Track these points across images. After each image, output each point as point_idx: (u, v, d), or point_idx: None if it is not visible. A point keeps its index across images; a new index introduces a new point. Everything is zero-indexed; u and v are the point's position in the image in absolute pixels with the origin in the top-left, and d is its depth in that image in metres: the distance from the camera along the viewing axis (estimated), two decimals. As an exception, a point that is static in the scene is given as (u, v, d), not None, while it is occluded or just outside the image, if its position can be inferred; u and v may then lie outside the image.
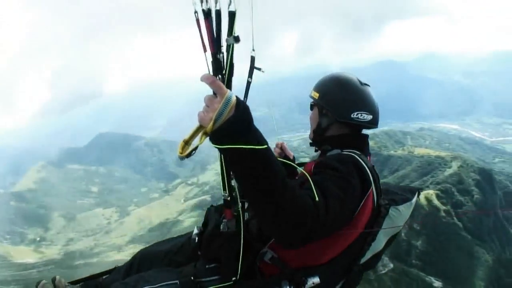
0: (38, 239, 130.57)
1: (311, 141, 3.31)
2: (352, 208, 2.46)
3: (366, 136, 3.15)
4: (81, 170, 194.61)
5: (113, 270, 3.72)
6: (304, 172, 2.37)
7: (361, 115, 2.95)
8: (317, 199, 2.01)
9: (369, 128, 3.11)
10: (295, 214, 1.88)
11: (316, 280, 2.49)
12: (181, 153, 1.88)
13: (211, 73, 2.05)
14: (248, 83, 3.00)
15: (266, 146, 1.84)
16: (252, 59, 2.88)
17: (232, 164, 1.91)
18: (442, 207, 71.68)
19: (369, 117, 2.98)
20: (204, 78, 1.86)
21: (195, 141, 1.93)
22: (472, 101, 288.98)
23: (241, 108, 1.83)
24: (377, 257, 3.03)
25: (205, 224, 3.02)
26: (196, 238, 2.98)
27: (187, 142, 1.91)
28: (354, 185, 2.44)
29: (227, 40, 2.00)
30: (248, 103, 2.22)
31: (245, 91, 3.00)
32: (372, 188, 2.62)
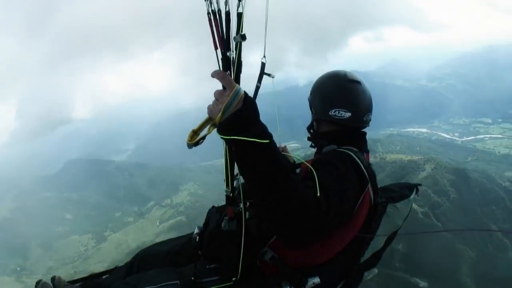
0: (18, 269, 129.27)
1: (308, 137, 3.34)
2: (351, 204, 2.46)
3: (364, 133, 3.13)
4: (54, 198, 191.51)
5: (113, 270, 3.69)
6: (311, 167, 2.33)
7: (338, 113, 2.93)
8: (318, 194, 2.02)
9: (351, 126, 3.03)
10: (297, 208, 1.89)
11: (316, 280, 2.47)
12: (190, 141, 1.97)
13: (221, 69, 2.19)
14: (257, 88, 3.15)
15: (268, 140, 1.90)
16: (263, 65, 2.99)
17: (236, 155, 1.96)
18: (420, 209, 72.23)
19: (347, 114, 2.93)
20: (215, 74, 1.98)
21: (203, 132, 2.03)
22: (439, 103, 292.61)
23: (249, 101, 1.94)
24: (377, 255, 3.01)
25: (206, 223, 3.05)
26: (197, 238, 3.01)
27: (195, 132, 2.00)
28: (352, 182, 2.45)
29: (234, 38, 2.13)
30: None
31: (254, 95, 3.13)
32: (369, 186, 2.60)
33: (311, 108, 3.23)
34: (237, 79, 2.20)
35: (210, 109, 1.98)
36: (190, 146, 1.98)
